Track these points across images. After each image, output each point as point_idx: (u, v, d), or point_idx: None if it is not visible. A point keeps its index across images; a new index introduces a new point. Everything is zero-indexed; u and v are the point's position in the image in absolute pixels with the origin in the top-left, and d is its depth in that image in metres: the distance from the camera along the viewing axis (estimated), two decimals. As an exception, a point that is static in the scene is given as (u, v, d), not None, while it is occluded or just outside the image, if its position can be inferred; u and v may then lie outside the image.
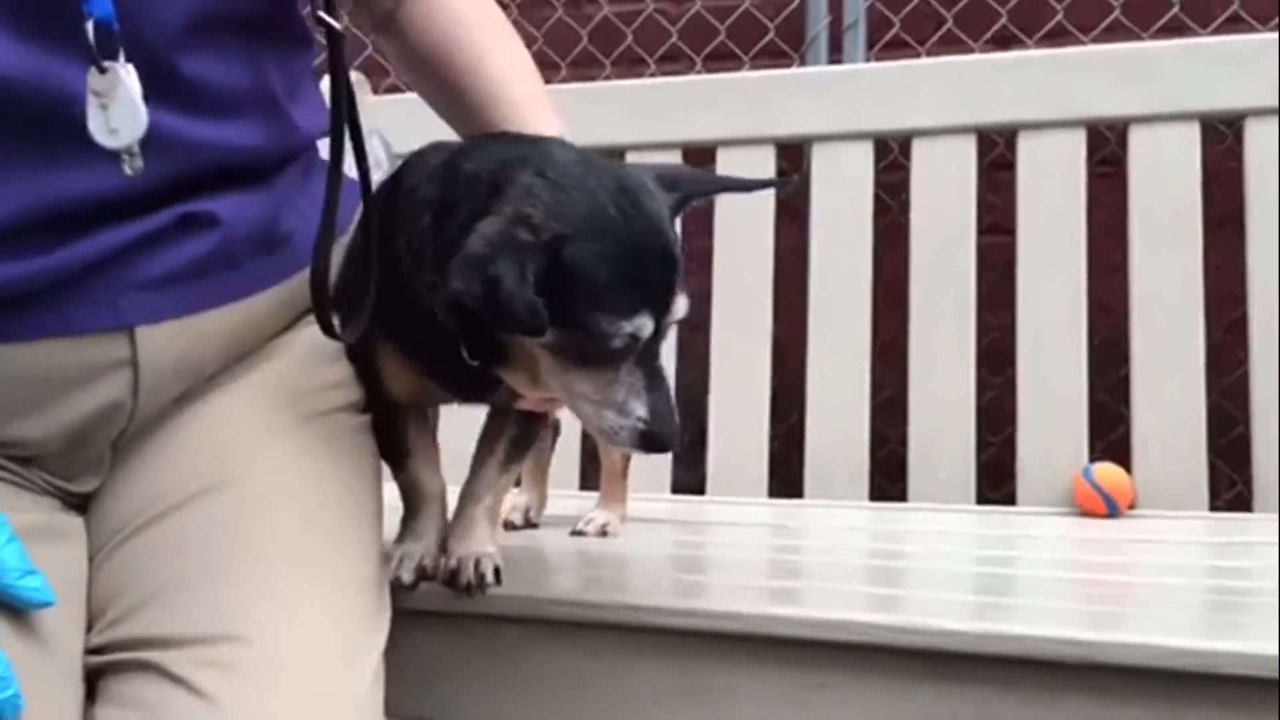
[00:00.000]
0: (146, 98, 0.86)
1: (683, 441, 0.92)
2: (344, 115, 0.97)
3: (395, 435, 1.06)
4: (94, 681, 0.87)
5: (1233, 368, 1.61)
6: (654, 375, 0.89)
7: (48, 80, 0.85)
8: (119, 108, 0.85)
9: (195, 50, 0.93)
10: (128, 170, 0.87)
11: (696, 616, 1.00)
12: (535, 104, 1.12)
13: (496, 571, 1.02)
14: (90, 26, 0.84)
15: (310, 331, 1.04)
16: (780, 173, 1.78)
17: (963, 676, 0.94)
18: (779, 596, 1.04)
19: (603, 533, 1.36)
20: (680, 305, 0.89)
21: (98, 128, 0.85)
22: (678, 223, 0.94)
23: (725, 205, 1.72)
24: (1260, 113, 1.55)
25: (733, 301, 1.71)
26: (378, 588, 0.99)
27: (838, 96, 1.70)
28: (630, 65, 2.10)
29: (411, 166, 1.01)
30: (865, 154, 1.70)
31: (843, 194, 1.70)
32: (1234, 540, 1.36)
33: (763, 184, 1.01)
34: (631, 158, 1.75)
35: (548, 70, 2.12)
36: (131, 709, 0.83)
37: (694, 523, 1.54)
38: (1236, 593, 1.12)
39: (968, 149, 1.66)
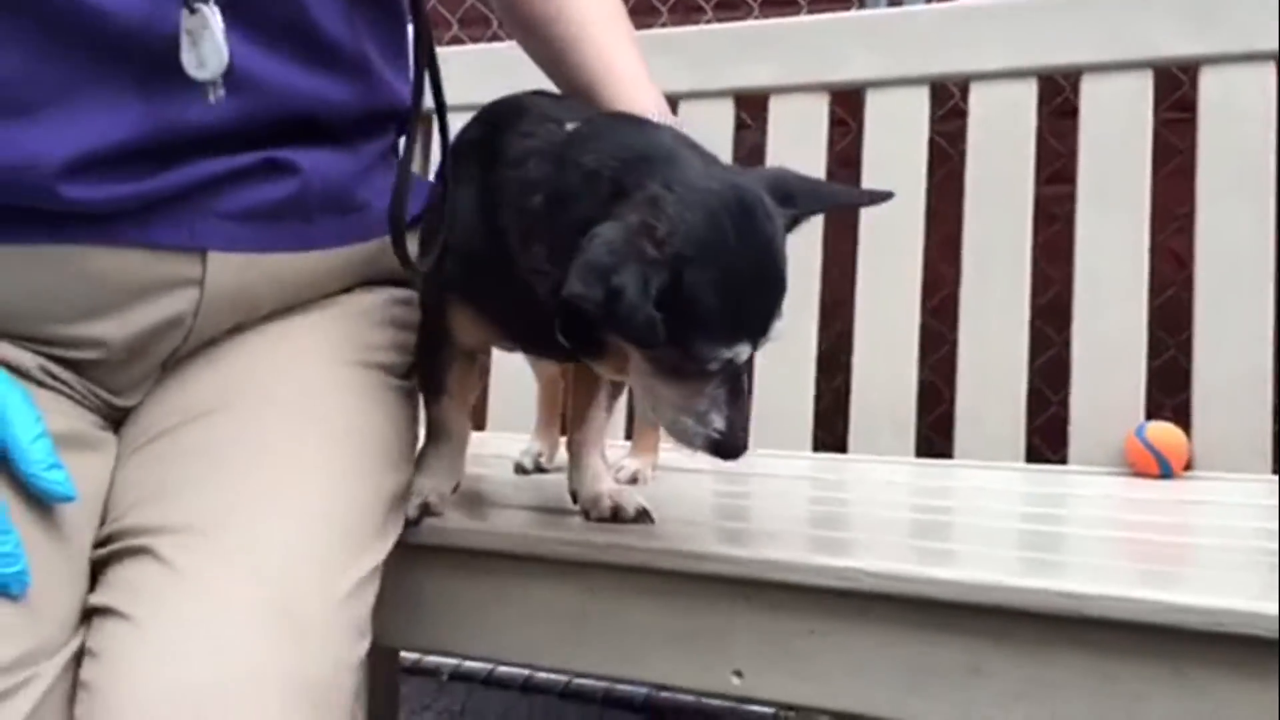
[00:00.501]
0: (242, 39, 0.97)
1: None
2: (424, 74, 1.08)
3: (438, 371, 1.11)
4: (97, 575, 0.92)
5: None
6: (736, 390, 0.91)
7: (155, 20, 0.94)
8: (206, 44, 0.94)
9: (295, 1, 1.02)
10: (210, 99, 0.95)
11: (687, 559, 1.00)
12: (636, 82, 1.13)
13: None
14: None
15: (370, 297, 1.16)
16: (837, 121, 1.73)
17: (951, 626, 0.92)
18: (774, 541, 1.02)
19: (634, 480, 1.36)
20: (776, 329, 0.90)
21: (189, 61, 0.94)
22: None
23: (777, 155, 1.70)
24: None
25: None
26: (378, 518, 1.01)
27: (893, 40, 1.65)
28: (688, 13, 2.08)
29: (509, 127, 1.02)
30: (921, 100, 1.64)
31: (897, 142, 1.65)
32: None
33: (871, 197, 1.01)
34: (684, 106, 1.74)
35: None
36: (117, 589, 0.89)
37: (734, 474, 1.53)
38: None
39: (1028, 94, 1.59)
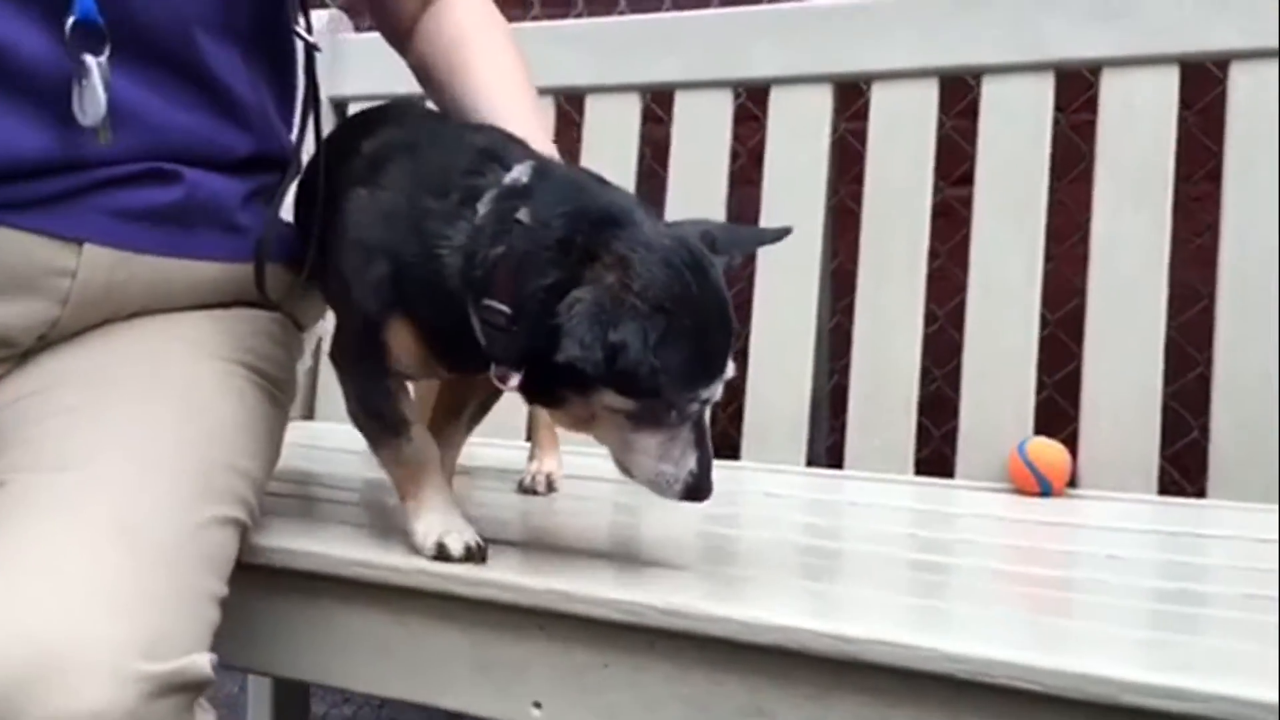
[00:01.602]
0: (136, 80, 1.04)
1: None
2: (308, 116, 1.20)
3: (392, 405, 1.07)
4: None
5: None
6: (702, 431, 0.95)
7: (57, 61, 1.01)
8: (88, 93, 1.01)
9: (194, 47, 1.09)
10: (100, 141, 1.03)
11: (485, 587, 0.99)
12: (515, 119, 1.14)
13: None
14: (69, 24, 1.00)
15: (250, 312, 1.19)
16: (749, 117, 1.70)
17: (734, 665, 0.91)
18: (566, 571, 1.01)
19: (550, 485, 1.36)
20: (730, 367, 0.95)
21: (76, 106, 1.01)
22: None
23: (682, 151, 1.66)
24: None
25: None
26: (231, 482, 1.02)
27: (797, 37, 1.61)
28: (565, 5, 2.04)
29: (438, 147, 1.03)
30: (825, 98, 1.61)
31: (801, 140, 1.61)
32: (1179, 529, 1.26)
33: (776, 234, 1.04)
34: (591, 100, 1.72)
35: (520, 8, 2.09)
36: None
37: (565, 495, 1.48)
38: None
39: (929, 93, 1.55)
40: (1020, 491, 1.41)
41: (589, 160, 1.68)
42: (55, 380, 1.05)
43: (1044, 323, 1.51)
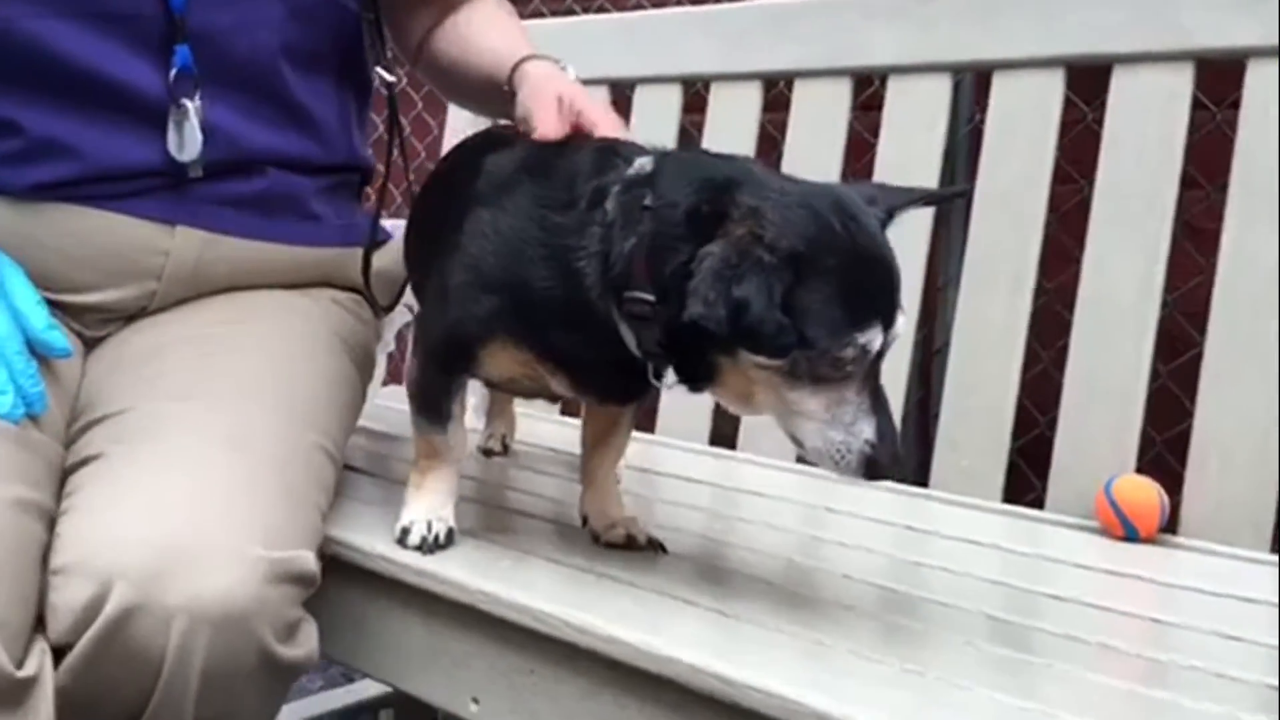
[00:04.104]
0: (223, 105, 1.18)
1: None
2: (393, 146, 1.33)
3: (445, 399, 1.08)
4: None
5: None
6: (879, 397, 0.88)
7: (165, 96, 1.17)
8: (186, 133, 1.17)
9: (279, 76, 1.23)
10: (191, 175, 1.18)
11: (431, 580, 1.02)
12: (512, 42, 1.26)
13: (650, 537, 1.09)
14: (172, 74, 1.16)
15: (330, 291, 1.32)
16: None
17: (635, 690, 0.89)
18: (516, 574, 1.01)
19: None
20: (901, 320, 0.88)
21: (173, 144, 1.17)
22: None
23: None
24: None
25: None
26: (331, 406, 1.16)
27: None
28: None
29: (558, 159, 1.01)
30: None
31: (913, 134, 1.50)
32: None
33: (949, 195, 1.00)
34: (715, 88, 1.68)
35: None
36: (95, 441, 1.05)
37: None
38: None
39: (1054, 82, 1.40)
40: (1108, 533, 1.27)
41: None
42: (165, 335, 1.20)
43: (1160, 343, 1.33)
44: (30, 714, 0.88)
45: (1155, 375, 1.51)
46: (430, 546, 1.05)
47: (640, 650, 0.87)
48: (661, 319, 0.89)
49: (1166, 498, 1.25)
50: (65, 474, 1.04)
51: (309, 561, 0.98)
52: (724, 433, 1.61)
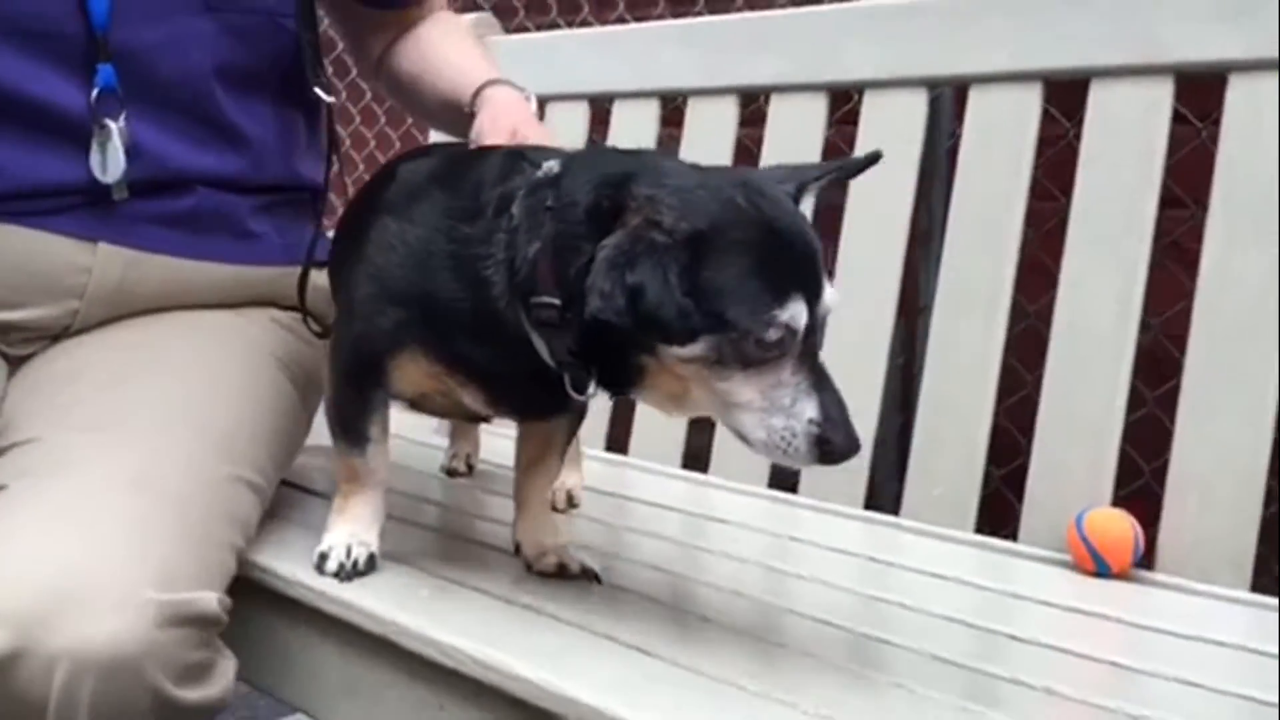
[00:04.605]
0: (149, 122, 1.14)
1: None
2: (330, 163, 1.31)
3: (360, 420, 1.04)
4: None
5: None
6: (820, 374, 0.83)
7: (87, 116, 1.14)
8: (109, 154, 1.13)
9: (210, 97, 1.19)
10: (115, 198, 1.15)
11: (345, 608, 0.98)
12: (475, 65, 1.27)
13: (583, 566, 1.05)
14: (94, 93, 1.12)
15: (269, 311, 1.28)
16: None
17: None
18: (433, 604, 0.97)
19: (571, 502, 1.33)
20: (830, 292, 0.84)
21: (95, 164, 1.14)
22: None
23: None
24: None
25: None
26: (256, 446, 1.11)
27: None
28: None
29: (468, 169, 0.97)
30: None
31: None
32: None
33: (860, 165, 0.95)
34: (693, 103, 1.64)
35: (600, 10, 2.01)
36: (5, 470, 1.02)
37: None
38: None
39: (1032, 97, 1.34)
40: (1079, 569, 1.20)
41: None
42: (85, 358, 1.16)
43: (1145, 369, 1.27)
44: None
45: (1141, 402, 1.45)
46: (349, 573, 1.01)
47: (542, 689, 0.83)
48: (571, 324, 0.85)
49: (1141, 531, 1.19)
50: None
51: (209, 603, 0.94)
52: (696, 452, 1.57)
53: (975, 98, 1.39)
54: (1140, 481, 1.48)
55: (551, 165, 0.91)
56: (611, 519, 1.31)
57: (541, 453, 1.09)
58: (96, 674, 0.86)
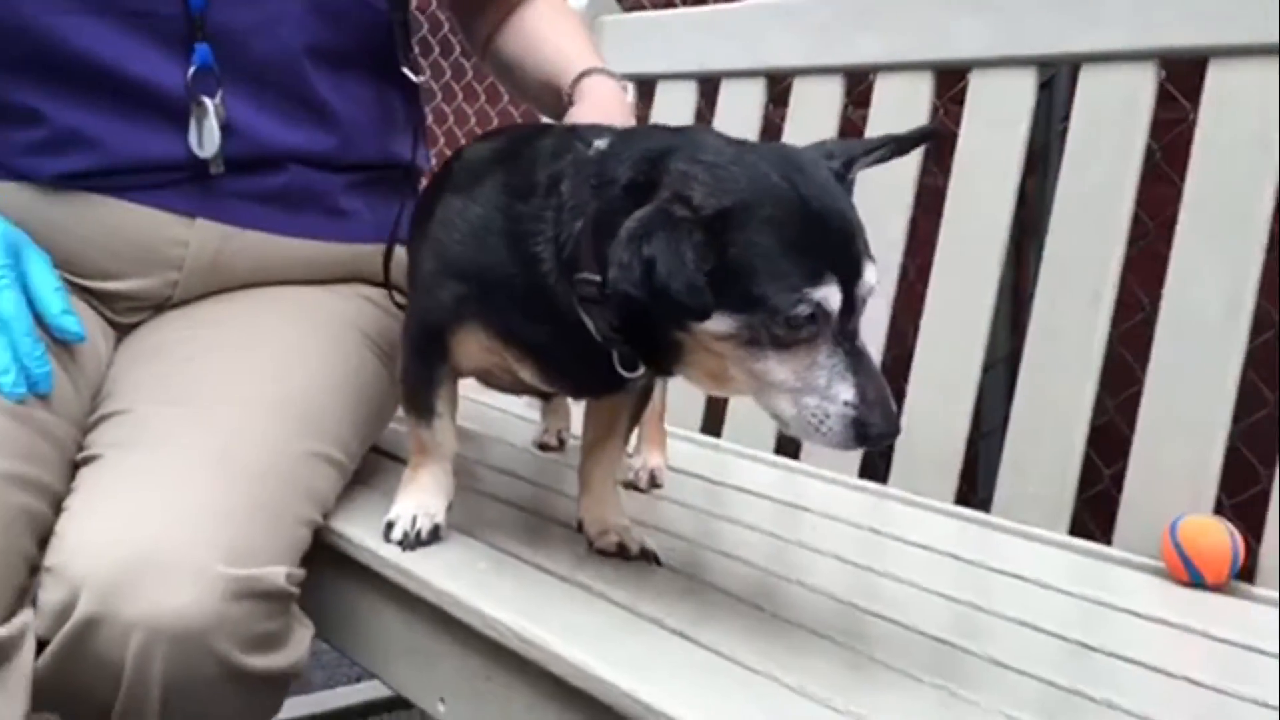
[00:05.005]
0: (243, 99, 1.19)
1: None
2: (417, 146, 1.36)
3: (428, 395, 1.06)
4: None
5: None
6: (857, 355, 0.81)
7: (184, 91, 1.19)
8: (205, 131, 1.18)
9: (301, 74, 1.23)
10: (212, 170, 1.20)
11: (405, 576, 1.01)
12: (586, 55, 1.28)
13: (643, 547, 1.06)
14: (190, 71, 1.18)
15: (359, 287, 1.32)
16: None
17: (576, 705, 0.85)
18: (489, 577, 0.99)
19: (653, 481, 1.34)
20: (870, 271, 0.82)
21: (193, 140, 1.19)
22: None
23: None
24: None
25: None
26: (338, 417, 1.15)
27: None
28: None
29: (528, 147, 0.99)
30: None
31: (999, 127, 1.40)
32: None
33: (914, 138, 0.94)
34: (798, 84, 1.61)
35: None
36: (99, 441, 1.08)
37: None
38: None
39: (1146, 78, 1.27)
40: (1173, 578, 1.14)
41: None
42: (179, 332, 1.22)
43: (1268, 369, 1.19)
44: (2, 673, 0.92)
45: (1262, 402, 1.37)
46: (412, 543, 1.04)
47: (578, 669, 0.84)
48: (609, 301, 0.85)
49: (1240, 541, 1.12)
50: (76, 466, 1.07)
51: (277, 577, 0.98)
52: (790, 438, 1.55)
53: (1086, 78, 1.32)
54: (1258, 488, 1.39)
55: (600, 143, 0.92)
56: (698, 503, 1.31)
57: (605, 433, 1.10)
58: (168, 642, 0.91)
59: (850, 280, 0.81)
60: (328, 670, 2.05)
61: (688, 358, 0.87)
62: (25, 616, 0.96)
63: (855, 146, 0.91)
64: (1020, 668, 0.90)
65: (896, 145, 0.95)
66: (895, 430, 0.80)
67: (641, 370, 0.92)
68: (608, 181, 0.88)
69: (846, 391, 0.79)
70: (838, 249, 0.81)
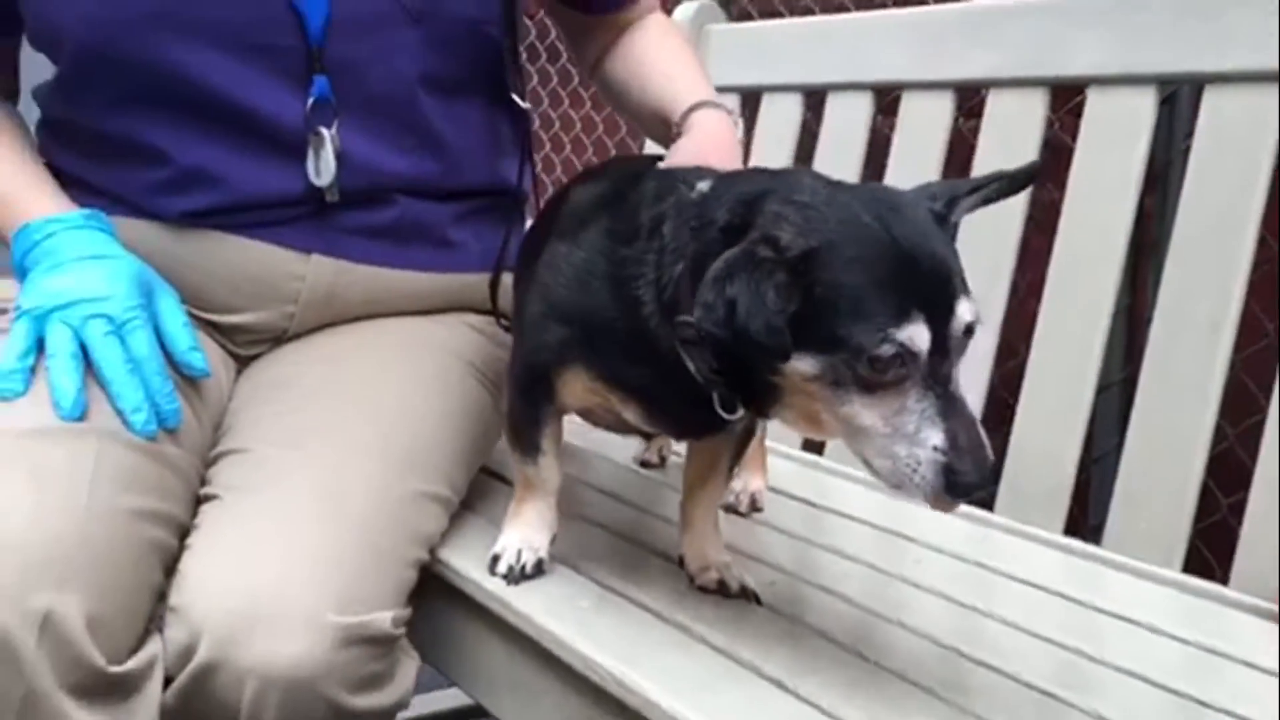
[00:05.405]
0: (357, 130, 1.21)
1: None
2: (523, 172, 1.38)
3: (533, 434, 1.08)
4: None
5: None
6: (950, 400, 0.79)
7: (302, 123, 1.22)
8: (322, 160, 1.21)
9: (414, 104, 1.25)
10: (328, 198, 1.23)
11: (516, 615, 1.03)
12: (696, 87, 1.27)
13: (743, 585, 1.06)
14: (309, 103, 1.20)
15: (468, 316, 1.35)
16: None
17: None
18: (582, 619, 1.00)
19: (754, 505, 1.35)
20: (965, 311, 0.81)
21: (310, 169, 1.22)
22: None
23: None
24: None
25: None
26: (443, 457, 1.17)
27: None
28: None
29: (632, 189, 0.99)
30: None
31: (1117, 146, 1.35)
32: None
33: (1019, 176, 0.91)
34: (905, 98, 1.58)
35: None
36: (218, 481, 1.12)
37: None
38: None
39: (1271, 99, 1.21)
40: (1291, 619, 1.10)
41: (896, 160, 1.57)
42: (293, 368, 1.26)
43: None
44: (127, 711, 0.96)
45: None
46: (516, 577, 1.07)
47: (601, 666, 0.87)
48: (705, 343, 0.86)
49: (1368, 591, 1.08)
50: (199, 500, 1.11)
51: (384, 622, 1.01)
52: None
53: (1210, 97, 1.27)
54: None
55: (702, 186, 0.92)
56: (798, 530, 1.30)
57: (707, 472, 1.11)
58: (281, 690, 0.95)
59: (941, 320, 0.79)
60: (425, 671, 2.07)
61: (784, 399, 0.87)
62: (154, 648, 1.00)
63: (960, 186, 0.89)
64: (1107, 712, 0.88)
65: (1004, 185, 0.93)
66: (986, 481, 0.77)
67: (741, 412, 0.92)
68: (707, 224, 0.89)
69: (935, 436, 0.78)
70: (927, 288, 0.79)
